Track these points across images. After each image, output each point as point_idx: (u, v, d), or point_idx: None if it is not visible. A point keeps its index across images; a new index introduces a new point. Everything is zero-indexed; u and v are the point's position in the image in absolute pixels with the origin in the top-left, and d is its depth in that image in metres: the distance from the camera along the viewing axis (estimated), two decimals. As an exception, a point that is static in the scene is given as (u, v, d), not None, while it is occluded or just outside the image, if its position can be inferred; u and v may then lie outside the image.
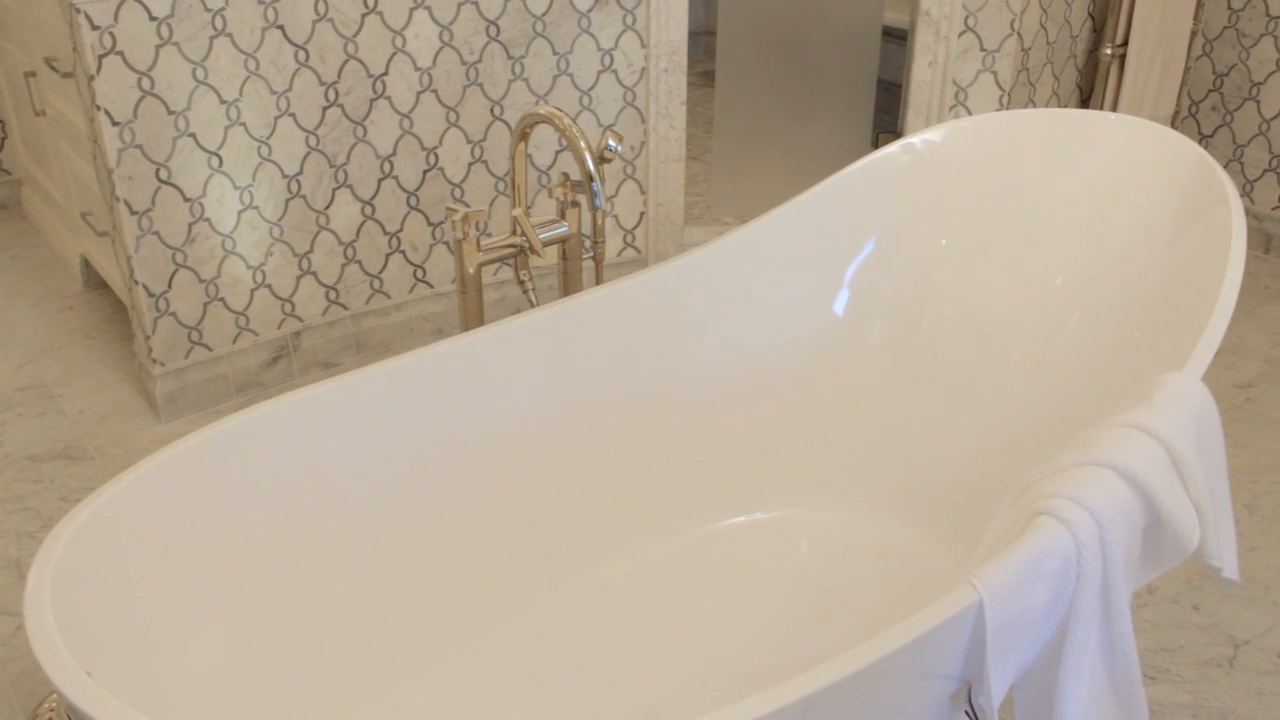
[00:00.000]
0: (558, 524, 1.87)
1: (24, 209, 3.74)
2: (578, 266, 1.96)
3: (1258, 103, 3.69)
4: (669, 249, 3.13)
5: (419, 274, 2.94)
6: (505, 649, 1.79)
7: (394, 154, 2.77)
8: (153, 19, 2.34)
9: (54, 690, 1.10)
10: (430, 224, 2.89)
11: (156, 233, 2.50)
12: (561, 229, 1.91)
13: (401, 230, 2.87)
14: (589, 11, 2.83)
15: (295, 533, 1.57)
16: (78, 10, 2.26)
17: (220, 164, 2.53)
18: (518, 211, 1.83)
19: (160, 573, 1.38)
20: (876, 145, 3.29)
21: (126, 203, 2.44)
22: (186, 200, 2.52)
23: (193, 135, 2.47)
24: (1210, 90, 3.78)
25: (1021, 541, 1.36)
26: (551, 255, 1.94)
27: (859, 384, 1.98)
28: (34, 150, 3.38)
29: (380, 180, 2.79)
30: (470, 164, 2.88)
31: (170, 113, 2.43)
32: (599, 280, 2.00)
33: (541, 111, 1.78)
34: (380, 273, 2.88)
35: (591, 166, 1.71)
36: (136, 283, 2.53)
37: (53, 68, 2.71)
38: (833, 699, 1.20)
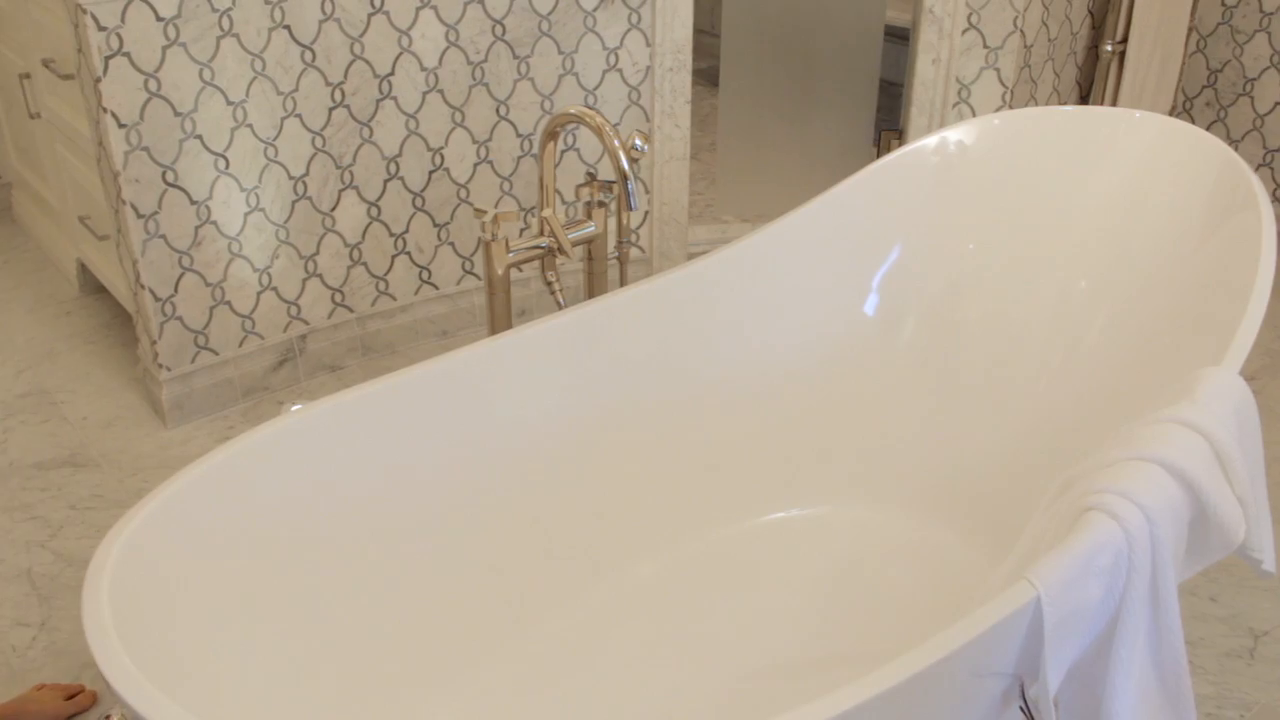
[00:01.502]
0: (588, 524, 1.86)
1: (14, 213, 3.69)
2: (603, 267, 1.95)
3: (1251, 98, 3.71)
4: (673, 248, 3.12)
5: (424, 275, 2.92)
6: (537, 649, 1.77)
7: (400, 155, 2.75)
8: (159, 19, 2.31)
9: (120, 705, 1.08)
10: (435, 225, 2.87)
11: (163, 236, 2.47)
12: (589, 229, 1.89)
13: (407, 231, 2.84)
14: (594, 10, 2.82)
15: (333, 537, 1.56)
16: (84, 11, 2.23)
17: (227, 166, 2.51)
18: (547, 212, 1.81)
19: (206, 581, 1.37)
20: (879, 143, 3.30)
21: (133, 206, 2.41)
22: (193, 203, 2.49)
23: (199, 137, 2.45)
24: (1204, 86, 3.80)
25: (1074, 537, 1.36)
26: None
27: (889, 383, 1.97)
28: (26, 154, 3.34)
29: (386, 181, 2.76)
30: (476, 164, 2.86)
31: (177, 114, 2.40)
32: (623, 280, 1.99)
33: (573, 111, 1.77)
34: (386, 274, 2.86)
35: (626, 165, 1.70)
36: (143, 287, 2.50)
37: (52, 70, 2.67)
38: (890, 701, 1.20)
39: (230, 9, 2.39)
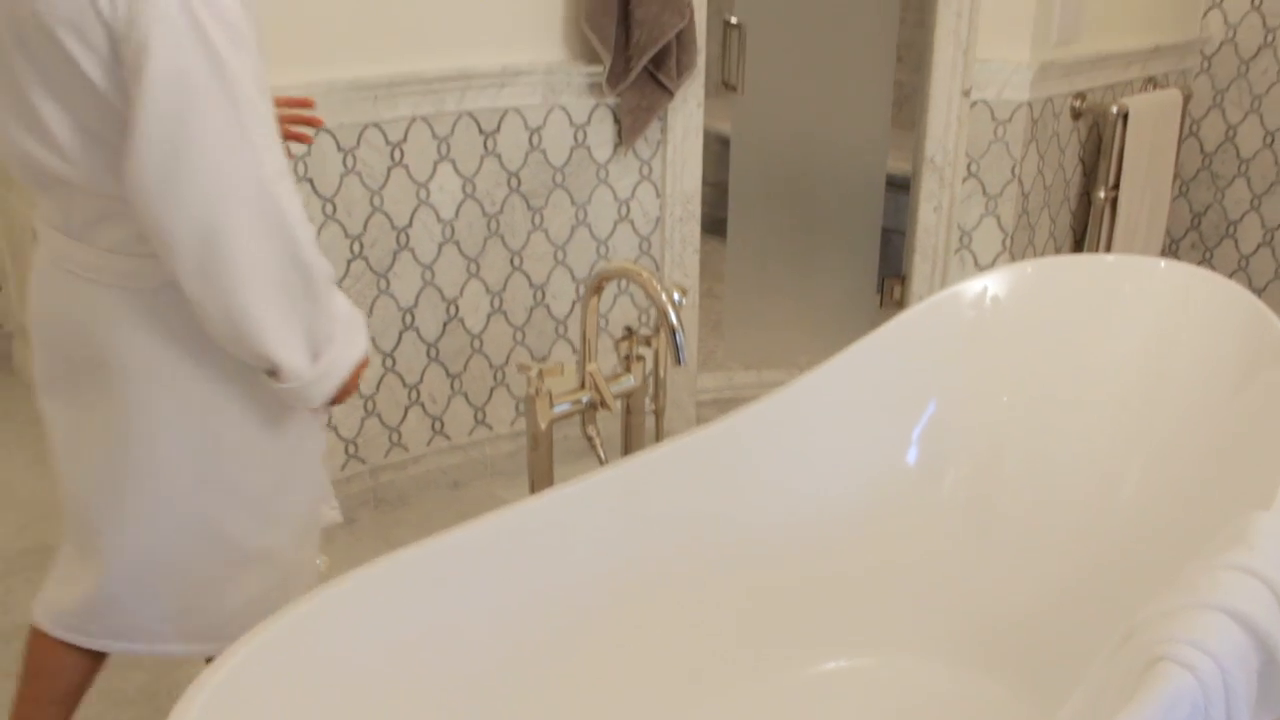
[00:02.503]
0: (630, 679, 1.82)
1: (14, 363, 3.66)
2: (640, 420, 1.95)
3: (1235, 240, 3.82)
4: (683, 397, 3.13)
5: (437, 426, 2.91)
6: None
7: (415, 305, 2.77)
8: (186, 176, 2.33)
9: None
10: (449, 375, 2.88)
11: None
12: (628, 382, 1.90)
13: (421, 382, 2.84)
14: (607, 163, 2.88)
15: (387, 699, 1.52)
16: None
17: (246, 319, 2.50)
18: (592, 367, 1.82)
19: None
20: (882, 289, 3.36)
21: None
22: (212, 356, 2.48)
23: (221, 290, 2.45)
24: (1189, 229, 3.91)
25: (1149, 690, 1.35)
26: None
27: (932, 532, 1.97)
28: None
29: (401, 332, 2.77)
30: (489, 314, 2.88)
31: (200, 268, 2.41)
32: (659, 432, 1.99)
33: (620, 266, 1.79)
34: (399, 425, 2.85)
35: (675, 319, 1.72)
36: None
37: (69, 224, 2.68)
38: None
39: (255, 165, 2.42)
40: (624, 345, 1.92)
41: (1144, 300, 1.98)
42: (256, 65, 1.40)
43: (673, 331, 1.72)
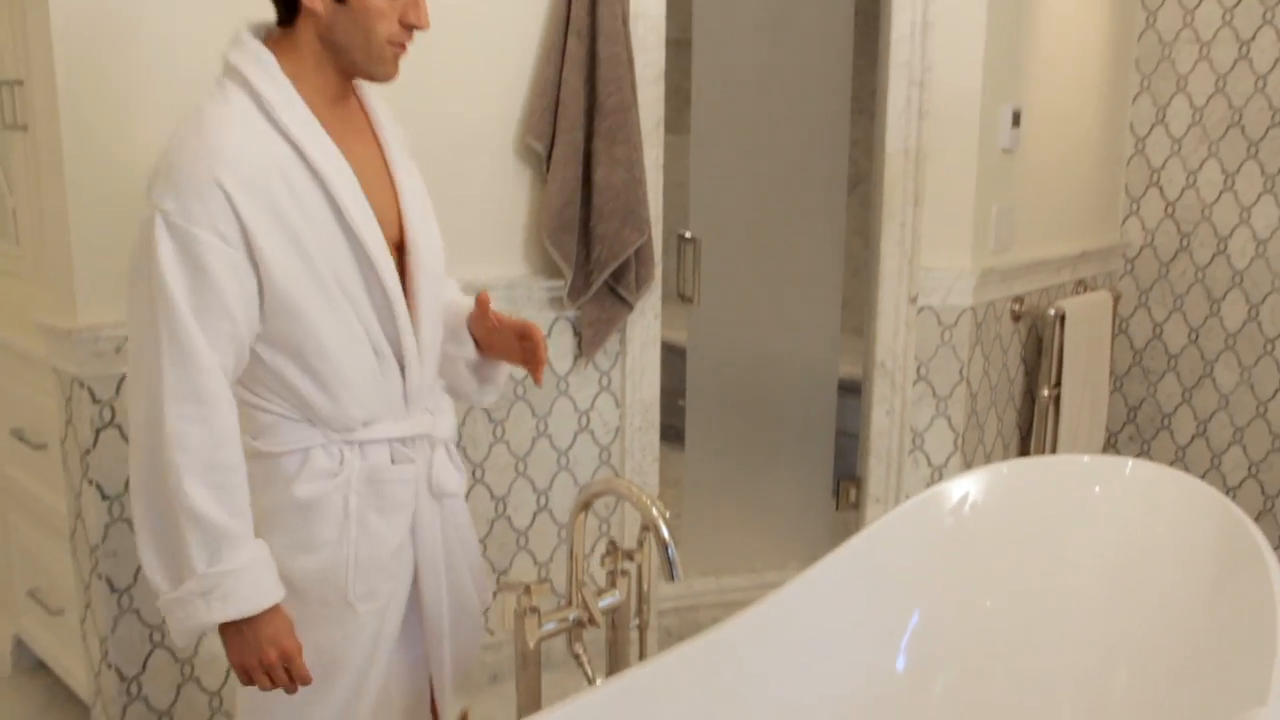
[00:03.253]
0: None
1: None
2: (626, 635, 1.92)
3: (1170, 431, 3.94)
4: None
5: (396, 641, 2.83)
6: None
7: (376, 519, 2.72)
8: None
9: None
10: (409, 588, 2.82)
11: (136, 610, 2.38)
12: (614, 598, 1.88)
13: (381, 596, 2.78)
14: (567, 374, 2.91)
15: None
16: (81, 385, 2.22)
17: (206, 538, 2.45)
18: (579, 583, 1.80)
19: None
20: (837, 493, 3.39)
21: (108, 580, 2.33)
22: (169, 577, 2.41)
23: (181, 509, 2.40)
24: (1126, 422, 4.03)
25: None
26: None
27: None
28: (-35, 526, 3.23)
29: (362, 546, 2.72)
30: (451, 525, 2.84)
31: (160, 488, 2.36)
32: (643, 647, 1.96)
33: (602, 484, 1.79)
34: (358, 642, 2.77)
35: (666, 535, 1.72)
36: (109, 666, 2.38)
37: (20, 439, 2.63)
38: None
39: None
40: (609, 560, 1.90)
41: (1116, 500, 2.02)
42: (217, 293, 1.49)
43: (665, 547, 1.71)
